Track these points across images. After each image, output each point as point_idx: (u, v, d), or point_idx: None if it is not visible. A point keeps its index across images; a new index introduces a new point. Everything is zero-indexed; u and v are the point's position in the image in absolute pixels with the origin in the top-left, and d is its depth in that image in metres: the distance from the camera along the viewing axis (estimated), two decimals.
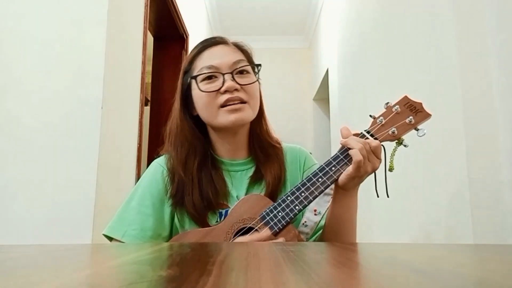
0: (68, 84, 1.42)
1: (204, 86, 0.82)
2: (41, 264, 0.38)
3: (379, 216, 1.74)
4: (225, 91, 0.80)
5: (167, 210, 0.82)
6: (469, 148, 0.99)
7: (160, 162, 0.87)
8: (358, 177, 0.73)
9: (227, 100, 0.80)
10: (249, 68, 0.85)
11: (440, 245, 0.80)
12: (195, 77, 0.83)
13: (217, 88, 0.80)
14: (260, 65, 0.88)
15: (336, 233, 0.81)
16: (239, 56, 0.85)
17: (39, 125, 1.40)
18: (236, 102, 0.80)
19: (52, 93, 1.42)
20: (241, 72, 0.83)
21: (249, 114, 0.82)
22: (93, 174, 1.37)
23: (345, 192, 0.76)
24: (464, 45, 1.03)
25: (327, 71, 3.61)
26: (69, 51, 1.44)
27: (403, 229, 1.43)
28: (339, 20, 3.03)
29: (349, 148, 0.74)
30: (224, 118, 0.81)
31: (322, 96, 4.32)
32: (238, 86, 0.80)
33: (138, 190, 0.84)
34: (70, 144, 1.39)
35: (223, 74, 0.81)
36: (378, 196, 0.78)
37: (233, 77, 0.81)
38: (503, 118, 0.94)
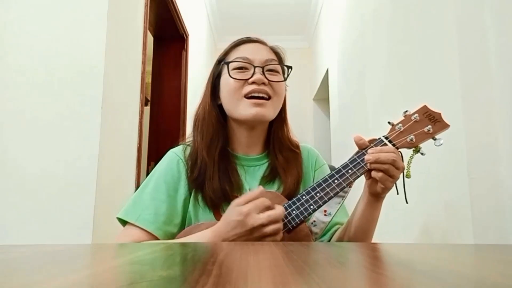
0: (68, 84, 1.42)
1: (234, 74, 0.85)
2: (41, 264, 0.38)
3: (379, 216, 1.73)
4: (253, 82, 0.83)
5: (181, 198, 0.84)
6: (469, 148, 0.99)
7: (175, 152, 0.89)
8: (386, 188, 0.76)
9: (253, 91, 0.83)
10: (279, 68, 0.89)
11: (440, 245, 0.80)
12: (228, 63, 0.86)
13: (246, 78, 0.84)
14: (291, 67, 0.92)
15: (366, 233, 0.84)
16: (273, 56, 0.90)
17: (39, 125, 1.40)
18: (260, 95, 0.83)
19: (52, 92, 1.42)
20: (272, 70, 0.87)
21: (270, 111, 0.85)
22: (93, 174, 1.37)
23: (379, 198, 0.80)
24: (466, 45, 1.03)
25: (327, 71, 3.61)
26: (69, 51, 1.44)
27: (403, 229, 1.43)
28: (339, 20, 3.03)
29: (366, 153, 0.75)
30: (245, 109, 0.83)
31: (322, 96, 4.32)
32: (266, 81, 0.84)
33: (153, 177, 0.86)
34: (70, 144, 1.39)
35: (255, 67, 0.84)
36: (398, 193, 0.80)
37: (263, 71, 0.84)
38: (503, 118, 0.94)
